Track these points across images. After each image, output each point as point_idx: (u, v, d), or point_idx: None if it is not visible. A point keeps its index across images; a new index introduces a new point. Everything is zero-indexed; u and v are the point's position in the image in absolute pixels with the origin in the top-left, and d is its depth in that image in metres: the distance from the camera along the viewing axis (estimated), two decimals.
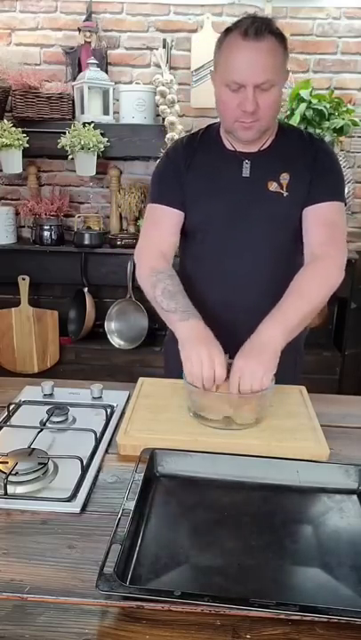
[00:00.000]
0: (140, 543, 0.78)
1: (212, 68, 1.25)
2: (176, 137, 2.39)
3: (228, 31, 1.17)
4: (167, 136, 2.48)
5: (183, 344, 1.14)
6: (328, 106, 2.39)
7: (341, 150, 2.60)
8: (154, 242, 1.35)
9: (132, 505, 0.81)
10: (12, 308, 2.73)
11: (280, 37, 1.16)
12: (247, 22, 1.13)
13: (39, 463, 0.93)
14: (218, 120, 1.33)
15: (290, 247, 1.35)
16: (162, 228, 1.36)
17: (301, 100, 2.39)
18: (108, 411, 1.19)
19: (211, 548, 0.78)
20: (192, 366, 1.09)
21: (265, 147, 1.30)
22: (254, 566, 0.75)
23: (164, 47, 2.60)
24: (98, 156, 2.52)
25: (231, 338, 1.18)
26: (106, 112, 2.59)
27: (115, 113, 2.63)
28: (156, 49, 2.62)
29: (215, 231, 1.33)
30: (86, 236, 2.65)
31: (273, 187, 1.29)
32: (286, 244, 1.34)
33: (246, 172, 1.30)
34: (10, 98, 2.57)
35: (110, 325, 2.77)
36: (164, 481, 0.94)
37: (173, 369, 1.35)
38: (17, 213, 2.79)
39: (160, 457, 0.96)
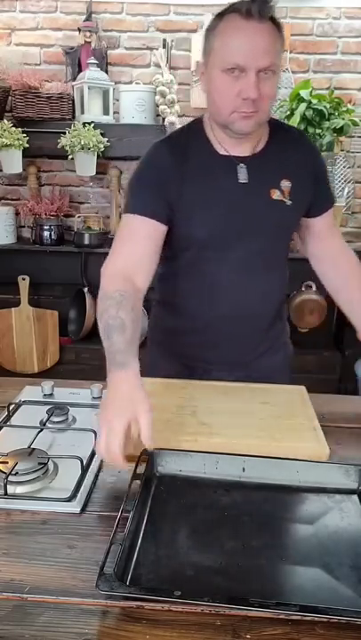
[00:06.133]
0: (140, 543, 0.78)
1: (199, 60, 1.13)
2: None
3: (221, 15, 1.07)
4: None
5: (104, 403, 0.91)
6: (328, 106, 2.40)
7: (341, 150, 2.60)
8: (121, 259, 1.13)
9: (132, 505, 0.81)
10: (12, 308, 2.73)
11: (280, 27, 1.09)
12: (248, 3, 1.02)
13: (39, 463, 0.93)
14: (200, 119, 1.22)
15: (282, 256, 1.32)
16: (135, 243, 1.14)
17: (301, 99, 2.39)
18: None
19: (211, 548, 0.78)
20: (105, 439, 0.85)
21: (259, 149, 1.20)
22: (254, 566, 0.75)
23: (164, 47, 2.61)
24: (98, 156, 2.52)
25: (219, 351, 1.15)
26: (106, 112, 2.59)
27: (115, 113, 2.63)
28: (156, 49, 2.63)
29: (214, 243, 1.20)
30: (86, 236, 2.65)
31: (276, 195, 1.19)
32: (281, 253, 1.31)
33: (243, 177, 1.18)
34: (10, 98, 2.58)
35: None
36: (164, 481, 0.94)
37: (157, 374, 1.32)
38: (17, 213, 2.80)
39: (160, 457, 0.96)
